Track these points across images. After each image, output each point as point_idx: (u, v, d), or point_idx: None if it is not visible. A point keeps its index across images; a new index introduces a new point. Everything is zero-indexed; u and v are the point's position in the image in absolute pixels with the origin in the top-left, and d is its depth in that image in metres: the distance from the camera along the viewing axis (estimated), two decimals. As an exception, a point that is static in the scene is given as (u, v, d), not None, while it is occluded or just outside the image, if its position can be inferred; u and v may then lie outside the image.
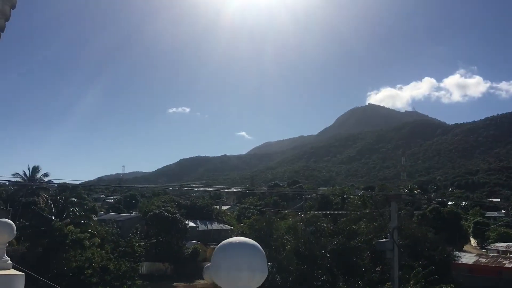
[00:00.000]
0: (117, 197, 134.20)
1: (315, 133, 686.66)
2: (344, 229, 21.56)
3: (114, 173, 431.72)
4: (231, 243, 2.81)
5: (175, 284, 54.52)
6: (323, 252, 20.07)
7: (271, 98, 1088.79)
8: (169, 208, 64.82)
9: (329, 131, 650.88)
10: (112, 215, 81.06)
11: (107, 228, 55.59)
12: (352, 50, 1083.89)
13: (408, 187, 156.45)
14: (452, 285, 24.51)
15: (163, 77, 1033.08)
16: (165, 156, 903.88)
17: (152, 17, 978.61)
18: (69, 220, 39.02)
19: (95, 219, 58.60)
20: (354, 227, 22.21)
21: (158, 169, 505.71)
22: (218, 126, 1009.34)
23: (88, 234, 37.15)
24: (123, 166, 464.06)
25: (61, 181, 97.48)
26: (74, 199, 48.61)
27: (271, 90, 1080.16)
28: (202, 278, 36.41)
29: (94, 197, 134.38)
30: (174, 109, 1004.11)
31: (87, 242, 35.58)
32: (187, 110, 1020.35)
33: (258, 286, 2.91)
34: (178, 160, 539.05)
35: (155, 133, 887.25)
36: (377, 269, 20.57)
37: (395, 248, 20.37)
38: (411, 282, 21.56)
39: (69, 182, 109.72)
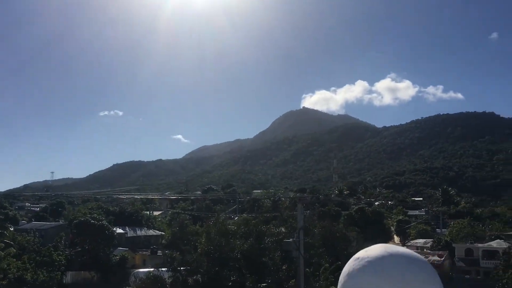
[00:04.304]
0: (43, 205, 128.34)
1: (251, 137, 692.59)
2: (254, 230, 22.50)
3: (42, 180, 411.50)
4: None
5: (101, 292, 53.44)
6: (234, 254, 20.87)
7: (208, 101, 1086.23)
8: (95, 215, 63.50)
9: (265, 134, 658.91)
10: (35, 223, 77.84)
11: (28, 237, 53.45)
12: (287, 53, 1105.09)
13: (338, 188, 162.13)
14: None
15: (93, 79, 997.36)
16: (97, 162, 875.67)
17: (84, 16, 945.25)
18: (-19, 230, 37.29)
19: (12, 228, 56.03)
20: (264, 228, 23.24)
21: (90, 175, 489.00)
22: (153, 129, 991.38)
23: (3, 244, 35.72)
24: (52, 173, 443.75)
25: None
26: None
27: (207, 93, 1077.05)
28: (129, 285, 36.16)
29: (18, 206, 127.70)
30: (106, 112, 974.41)
31: (1, 253, 34.24)
32: (120, 113, 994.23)
33: None
34: (111, 165, 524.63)
35: (86, 137, 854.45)
36: (283, 267, 21.67)
37: (301, 247, 21.61)
38: (317, 278, 22.86)
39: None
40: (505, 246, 60.88)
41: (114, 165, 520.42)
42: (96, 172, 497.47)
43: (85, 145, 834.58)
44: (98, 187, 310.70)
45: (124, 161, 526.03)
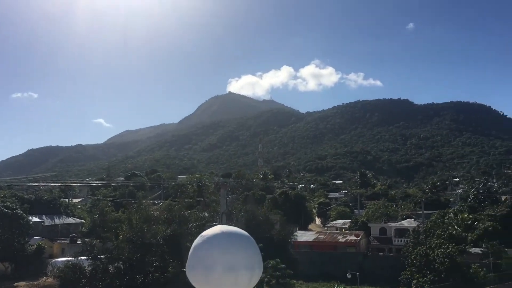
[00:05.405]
0: None
1: (177, 121, 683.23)
2: (177, 216, 22.51)
3: None
4: None
5: (16, 284, 50.87)
6: (157, 239, 20.78)
7: (132, 84, 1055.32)
8: (8, 203, 59.95)
9: (190, 119, 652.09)
10: None
11: None
12: (213, 37, 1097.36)
13: (263, 172, 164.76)
14: (279, 259, 27.10)
15: (3, 58, 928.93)
16: (10, 147, 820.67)
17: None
18: None
19: None
20: (187, 213, 23.30)
21: (1, 161, 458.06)
22: (71, 113, 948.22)
23: None
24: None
25: None
26: None
27: (131, 75, 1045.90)
28: (47, 275, 34.76)
29: None
30: (19, 94, 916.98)
31: None
32: (35, 95, 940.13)
33: None
34: (25, 151, 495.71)
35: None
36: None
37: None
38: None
39: None
40: (414, 225, 65.66)
41: (28, 150, 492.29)
42: (8, 158, 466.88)
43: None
44: (11, 174, 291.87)
45: (40, 146, 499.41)
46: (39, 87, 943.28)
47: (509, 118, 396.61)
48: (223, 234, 3.16)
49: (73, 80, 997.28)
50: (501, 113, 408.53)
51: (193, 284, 3.13)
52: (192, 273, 3.11)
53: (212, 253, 3.08)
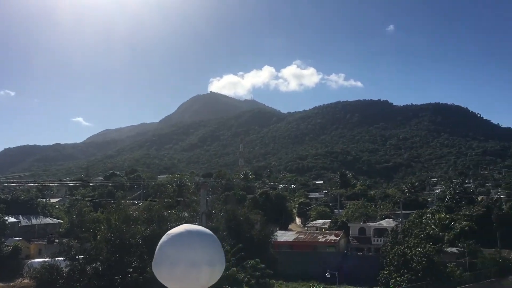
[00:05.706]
0: None
1: (157, 121, 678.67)
2: (156, 216, 22.41)
3: None
4: None
5: (-10, 286, 49.82)
6: (136, 240, 20.65)
7: (112, 82, 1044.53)
8: (-17, 204, 58.78)
9: (171, 118, 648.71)
10: None
11: None
12: (195, 36, 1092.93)
13: (243, 172, 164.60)
14: (258, 259, 27.18)
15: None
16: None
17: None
18: None
19: None
20: (167, 213, 23.22)
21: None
22: (50, 111, 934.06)
23: None
24: None
25: None
26: None
27: (111, 74, 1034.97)
28: (23, 277, 34.06)
29: None
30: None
31: None
32: (12, 93, 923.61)
33: None
34: (2, 150, 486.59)
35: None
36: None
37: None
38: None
39: None
40: (393, 225, 66.43)
41: (5, 149, 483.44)
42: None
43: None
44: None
45: (17, 145, 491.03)
46: (17, 85, 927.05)
47: (486, 120, 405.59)
48: (187, 232, 3.34)
49: (51, 78, 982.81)
50: (478, 115, 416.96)
51: (159, 279, 3.27)
52: (158, 269, 3.27)
53: (176, 250, 3.26)
